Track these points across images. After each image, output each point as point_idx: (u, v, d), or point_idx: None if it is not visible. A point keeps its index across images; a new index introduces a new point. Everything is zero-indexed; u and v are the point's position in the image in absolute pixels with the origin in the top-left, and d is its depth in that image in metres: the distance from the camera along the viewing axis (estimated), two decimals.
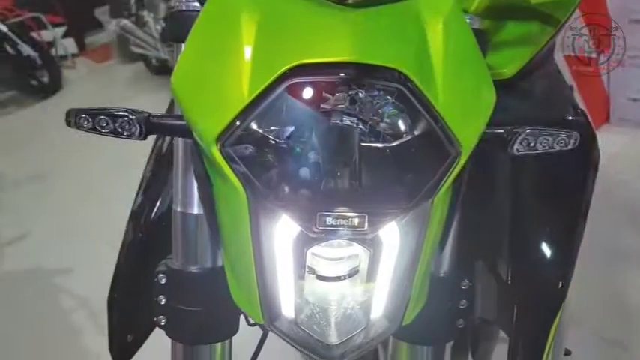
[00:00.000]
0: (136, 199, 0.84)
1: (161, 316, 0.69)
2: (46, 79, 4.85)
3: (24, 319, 2.27)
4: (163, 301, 0.68)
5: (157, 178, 0.83)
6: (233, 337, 0.73)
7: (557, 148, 0.59)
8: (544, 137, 0.58)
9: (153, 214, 0.81)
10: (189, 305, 0.67)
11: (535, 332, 0.73)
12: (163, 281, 0.68)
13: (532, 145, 0.58)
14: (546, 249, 0.76)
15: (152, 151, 0.87)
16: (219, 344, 0.71)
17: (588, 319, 1.81)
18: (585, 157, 0.83)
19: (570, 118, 0.87)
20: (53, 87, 4.86)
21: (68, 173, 3.48)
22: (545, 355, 0.72)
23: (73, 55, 5.55)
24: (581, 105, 0.90)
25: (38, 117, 4.45)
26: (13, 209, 3.16)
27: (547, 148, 0.59)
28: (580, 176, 0.82)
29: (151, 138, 0.89)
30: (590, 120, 0.87)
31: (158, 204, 0.81)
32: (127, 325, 0.80)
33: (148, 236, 0.80)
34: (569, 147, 0.59)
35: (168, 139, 0.83)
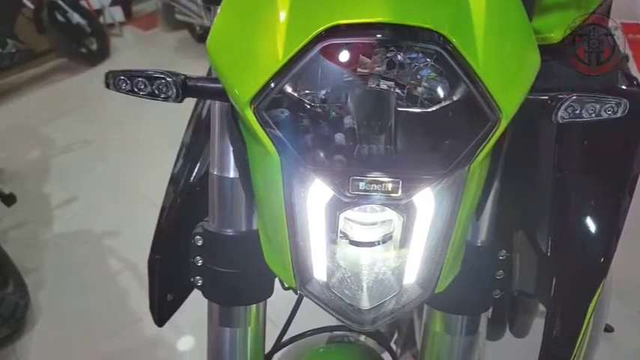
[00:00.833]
0: (175, 163, 0.85)
1: (197, 277, 0.70)
2: (94, 47, 4.92)
3: (72, 282, 2.36)
4: (200, 263, 0.70)
5: (196, 143, 0.84)
6: (268, 300, 0.74)
7: (605, 115, 0.56)
8: (591, 104, 0.55)
9: (192, 177, 0.82)
10: (224, 267, 0.68)
11: (574, 307, 0.72)
12: (200, 243, 0.69)
13: (578, 112, 0.55)
14: (589, 222, 0.74)
15: (192, 116, 0.88)
16: (254, 306, 0.72)
17: (634, 295, 1.76)
18: (636, 129, 0.79)
19: (624, 87, 0.83)
20: (101, 55, 4.94)
21: (116, 138, 3.56)
22: (583, 331, 0.70)
23: (120, 23, 5.61)
24: (637, 75, 0.86)
25: (87, 84, 4.55)
26: (63, 174, 3.26)
27: (593, 115, 0.56)
28: (629, 149, 0.79)
29: (191, 102, 0.90)
30: None
31: (197, 168, 0.82)
32: (166, 285, 0.82)
33: (187, 199, 0.81)
34: (618, 115, 0.56)
35: (207, 104, 0.84)
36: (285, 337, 0.87)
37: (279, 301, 0.78)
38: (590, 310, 0.70)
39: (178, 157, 0.86)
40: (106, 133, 3.65)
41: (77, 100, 4.24)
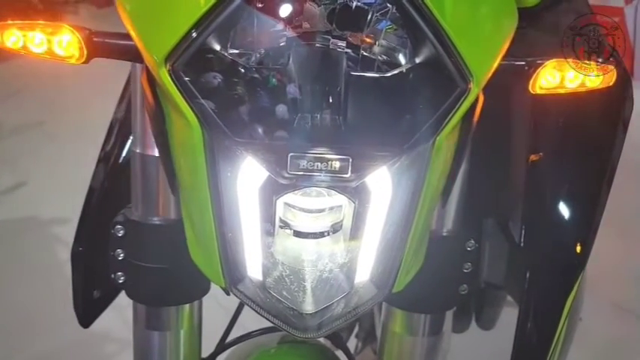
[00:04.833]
0: (105, 141, 0.77)
1: (119, 273, 0.62)
2: None
3: (19, 269, 2.24)
4: (121, 257, 0.61)
5: (128, 118, 0.75)
6: (204, 298, 0.65)
7: (589, 85, 0.50)
8: (574, 71, 0.49)
9: (122, 157, 0.74)
10: (149, 262, 0.60)
11: (549, 302, 0.65)
12: (121, 234, 0.60)
13: (558, 80, 0.50)
14: (565, 210, 0.67)
15: (124, 89, 0.79)
16: (186, 306, 0.63)
17: (603, 285, 1.72)
18: (616, 105, 0.73)
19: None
20: None
21: (69, 121, 3.42)
22: (560, 328, 0.64)
23: (75, 0, 5.44)
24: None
25: (39, 62, 4.30)
26: (10, 158, 3.12)
27: (576, 84, 0.50)
28: (608, 131, 0.73)
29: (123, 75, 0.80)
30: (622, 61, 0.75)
31: (127, 146, 0.74)
32: (92, 280, 0.74)
33: (114, 183, 0.73)
34: (604, 85, 0.50)
35: None
36: (231, 337, 0.78)
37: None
38: (567, 305, 0.64)
39: (109, 134, 0.78)
40: (58, 114, 3.50)
41: (28, 79, 4.02)
